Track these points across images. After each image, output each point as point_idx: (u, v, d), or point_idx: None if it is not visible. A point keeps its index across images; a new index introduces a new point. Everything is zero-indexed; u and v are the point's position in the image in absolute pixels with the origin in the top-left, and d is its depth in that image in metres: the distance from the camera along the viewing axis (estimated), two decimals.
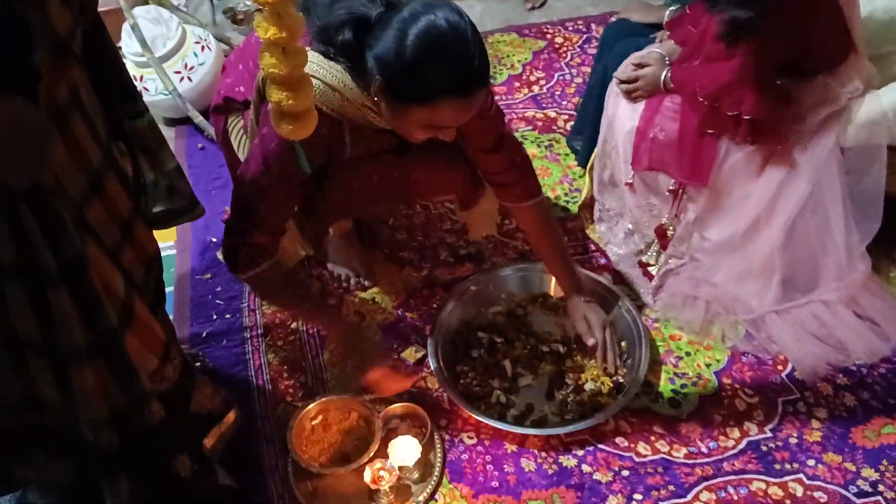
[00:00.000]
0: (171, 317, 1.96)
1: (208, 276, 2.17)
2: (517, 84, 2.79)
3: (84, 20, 1.26)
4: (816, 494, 1.66)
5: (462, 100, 1.43)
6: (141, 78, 2.56)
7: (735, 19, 1.64)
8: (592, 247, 2.19)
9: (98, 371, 1.18)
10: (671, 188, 1.92)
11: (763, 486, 1.68)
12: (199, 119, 2.57)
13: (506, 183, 1.83)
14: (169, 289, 2.12)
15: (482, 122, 1.69)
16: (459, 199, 2.04)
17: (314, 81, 1.46)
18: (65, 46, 1.11)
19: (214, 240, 2.25)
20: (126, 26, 2.56)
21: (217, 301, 2.10)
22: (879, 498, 1.65)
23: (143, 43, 2.52)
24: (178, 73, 2.60)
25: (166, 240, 2.25)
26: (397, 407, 1.79)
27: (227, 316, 2.06)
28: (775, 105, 1.71)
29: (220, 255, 2.18)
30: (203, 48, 2.66)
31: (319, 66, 1.48)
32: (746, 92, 1.68)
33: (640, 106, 1.89)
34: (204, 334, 2.01)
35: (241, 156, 1.84)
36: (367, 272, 2.13)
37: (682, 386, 1.87)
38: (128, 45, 2.55)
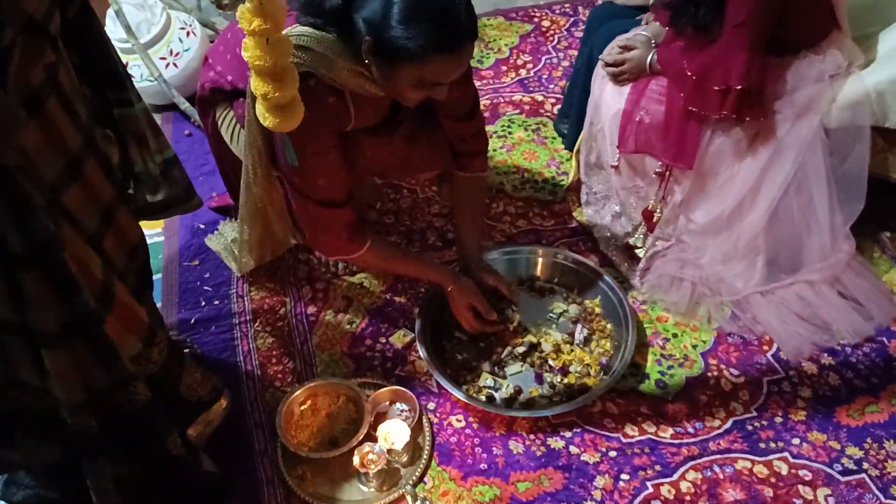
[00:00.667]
0: (159, 304, 1.97)
1: (196, 262, 2.16)
2: (504, 68, 2.78)
3: (71, 5, 1.25)
4: (801, 473, 1.68)
5: (451, 55, 1.45)
6: (126, 64, 2.53)
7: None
8: (580, 230, 2.20)
9: (73, 354, 1.18)
10: (657, 170, 1.92)
11: (748, 464, 1.70)
12: (185, 105, 2.55)
13: (472, 152, 1.89)
14: (157, 276, 2.12)
15: (464, 87, 1.73)
16: (444, 175, 2.04)
17: (310, 52, 1.48)
18: (39, 28, 1.10)
19: (202, 226, 2.25)
20: (110, 12, 2.54)
21: (205, 287, 2.10)
22: (864, 476, 1.67)
23: (127, 29, 2.51)
24: (164, 59, 2.58)
25: (154, 227, 2.25)
26: (385, 391, 1.80)
27: (216, 302, 2.06)
28: (762, 75, 1.72)
29: (209, 243, 2.18)
30: (188, 34, 2.65)
31: (311, 38, 1.48)
32: (734, 65, 1.68)
33: (626, 89, 1.89)
34: (192, 321, 2.01)
35: (235, 147, 1.84)
36: None
37: (669, 367, 1.88)
38: (112, 31, 2.53)
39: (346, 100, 1.61)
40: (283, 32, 1.48)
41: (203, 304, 2.06)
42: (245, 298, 2.06)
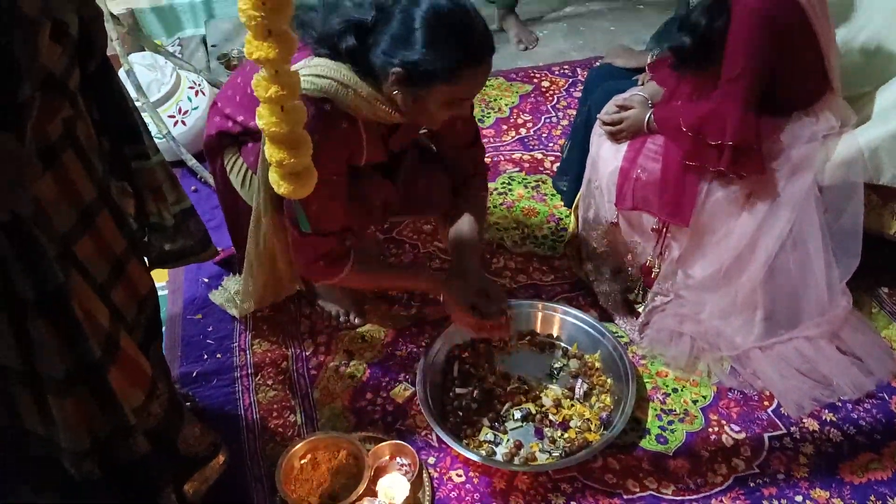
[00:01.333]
0: None
1: (199, 316, 2.18)
2: (505, 127, 2.84)
3: (93, 60, 1.28)
4: None
5: (479, 68, 1.54)
6: None
7: (680, 48, 1.79)
8: (579, 284, 2.22)
9: (79, 402, 1.18)
10: (654, 227, 1.95)
11: None
12: (192, 162, 2.60)
13: (476, 174, 1.97)
14: None
15: (468, 119, 1.85)
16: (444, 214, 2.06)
17: (327, 81, 1.54)
18: (59, 84, 1.13)
19: (206, 280, 2.27)
20: (121, 72, 2.61)
21: (208, 341, 2.11)
22: None
23: (137, 88, 2.57)
24: (172, 117, 2.64)
25: (158, 280, 2.25)
26: (386, 445, 1.79)
27: (218, 356, 2.07)
28: (757, 131, 1.75)
29: (213, 297, 2.20)
30: (197, 93, 2.71)
31: (328, 68, 1.55)
32: (729, 119, 1.73)
33: (623, 146, 1.93)
34: (194, 374, 2.02)
35: (244, 192, 1.86)
36: (356, 310, 2.14)
37: (670, 422, 1.88)
38: None
39: (358, 128, 1.66)
40: (300, 64, 1.54)
41: (205, 357, 2.06)
42: (247, 352, 2.07)
